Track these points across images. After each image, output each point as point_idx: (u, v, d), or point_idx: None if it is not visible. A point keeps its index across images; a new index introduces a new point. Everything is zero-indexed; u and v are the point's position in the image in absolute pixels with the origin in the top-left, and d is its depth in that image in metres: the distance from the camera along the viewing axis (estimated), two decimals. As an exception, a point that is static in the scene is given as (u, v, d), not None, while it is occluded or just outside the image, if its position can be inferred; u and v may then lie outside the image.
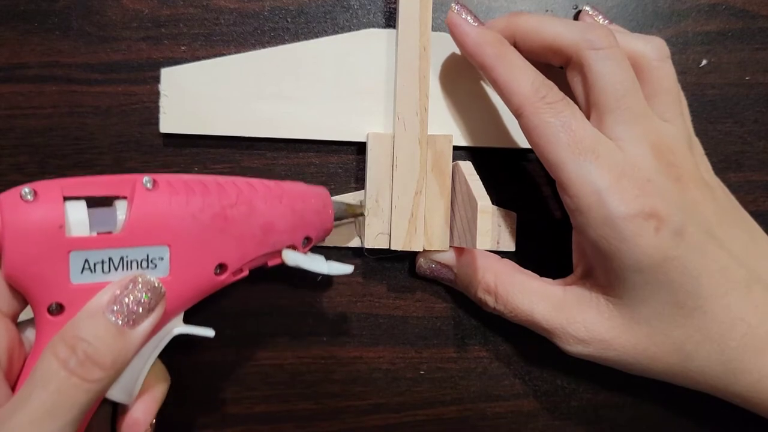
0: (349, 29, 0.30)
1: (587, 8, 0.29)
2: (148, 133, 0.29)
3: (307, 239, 0.26)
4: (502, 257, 0.29)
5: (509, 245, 0.30)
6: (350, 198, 0.29)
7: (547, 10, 0.30)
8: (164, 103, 0.28)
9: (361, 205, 0.28)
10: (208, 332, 0.26)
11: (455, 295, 0.31)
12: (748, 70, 0.31)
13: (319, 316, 0.30)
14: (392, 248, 0.28)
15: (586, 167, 0.24)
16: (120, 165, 0.29)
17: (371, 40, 0.29)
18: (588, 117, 0.26)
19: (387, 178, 0.28)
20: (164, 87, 0.28)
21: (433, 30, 0.28)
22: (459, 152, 0.30)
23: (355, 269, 0.30)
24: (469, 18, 0.27)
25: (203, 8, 0.29)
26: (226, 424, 0.30)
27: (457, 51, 0.29)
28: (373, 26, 0.30)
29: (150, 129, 0.29)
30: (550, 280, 0.28)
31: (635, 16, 0.31)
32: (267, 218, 0.24)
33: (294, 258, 0.26)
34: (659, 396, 0.31)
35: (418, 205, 0.28)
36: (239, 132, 0.29)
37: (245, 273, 0.25)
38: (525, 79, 0.25)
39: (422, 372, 0.31)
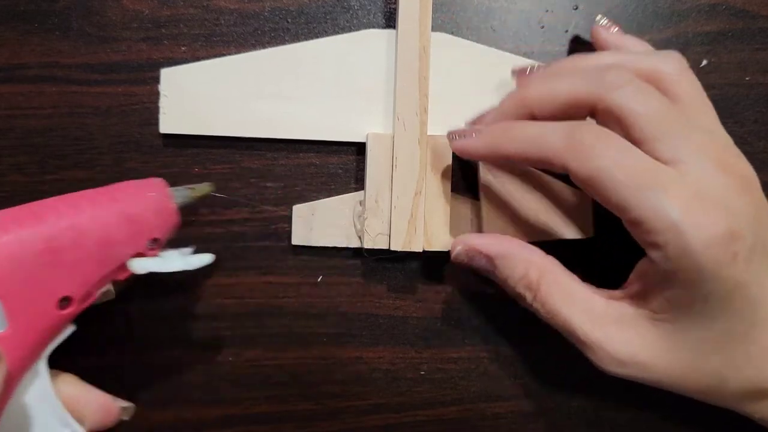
0: (349, 30, 0.30)
1: (602, 21, 0.28)
2: (148, 134, 0.29)
3: (155, 240, 0.25)
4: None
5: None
6: (351, 196, 0.29)
7: (547, 11, 0.30)
8: (164, 104, 0.28)
9: (207, 184, 0.27)
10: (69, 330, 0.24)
11: (456, 296, 0.31)
12: (749, 71, 0.31)
13: (319, 316, 0.30)
14: (392, 248, 0.28)
15: (654, 201, 0.22)
16: (120, 165, 0.29)
17: (371, 40, 0.29)
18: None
19: (387, 178, 0.28)
20: (164, 87, 0.28)
21: (432, 30, 0.28)
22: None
23: (355, 269, 0.30)
24: (465, 135, 0.26)
25: (203, 9, 0.29)
26: (226, 424, 0.30)
27: (457, 52, 0.29)
28: (373, 27, 0.30)
29: (150, 129, 0.29)
30: (594, 288, 0.27)
31: (635, 17, 0.31)
32: (100, 234, 0.23)
33: (142, 265, 0.24)
34: (660, 396, 0.31)
35: (418, 205, 0.28)
36: (239, 132, 0.29)
37: (94, 297, 0.24)
38: (553, 137, 0.24)
39: (422, 372, 0.31)
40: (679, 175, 0.23)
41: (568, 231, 0.29)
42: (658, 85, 0.25)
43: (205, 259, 0.25)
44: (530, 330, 0.31)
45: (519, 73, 0.28)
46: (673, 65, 0.26)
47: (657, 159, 0.23)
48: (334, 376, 0.30)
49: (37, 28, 0.29)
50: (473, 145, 0.26)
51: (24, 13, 0.29)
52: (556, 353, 0.31)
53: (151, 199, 0.24)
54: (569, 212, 0.29)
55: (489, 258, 0.27)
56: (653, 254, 0.24)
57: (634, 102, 0.24)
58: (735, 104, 0.31)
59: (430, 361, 0.31)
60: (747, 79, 0.31)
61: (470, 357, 0.31)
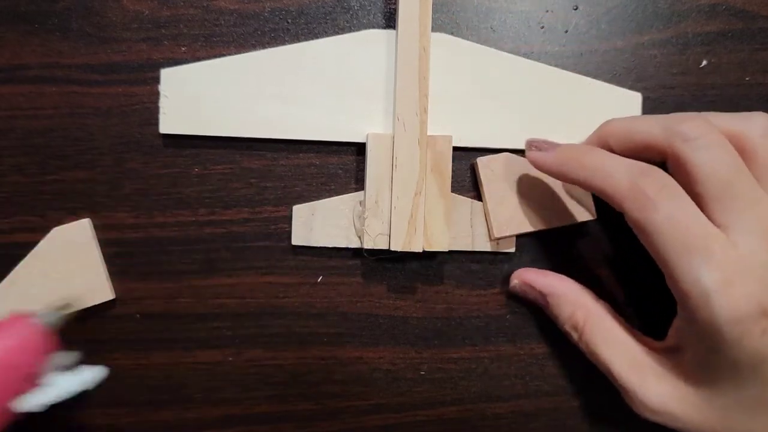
0: (349, 30, 0.30)
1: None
2: (149, 134, 0.29)
3: (31, 375, 0.24)
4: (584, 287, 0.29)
5: (509, 246, 0.30)
6: (351, 196, 0.29)
7: (547, 11, 0.30)
8: (164, 104, 0.28)
9: (69, 301, 0.27)
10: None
11: (455, 296, 0.31)
12: (748, 71, 0.31)
13: (319, 316, 0.30)
14: (392, 249, 0.28)
15: (695, 267, 0.23)
16: (121, 166, 0.29)
17: (371, 40, 0.29)
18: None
19: (387, 178, 0.28)
20: (164, 88, 0.28)
21: (432, 31, 0.28)
22: (459, 152, 0.30)
23: (355, 270, 0.30)
24: (542, 149, 0.27)
25: (203, 9, 0.29)
26: (227, 425, 0.30)
27: (457, 52, 0.29)
28: (373, 27, 0.30)
29: (150, 129, 0.29)
30: (637, 334, 0.27)
31: (635, 17, 0.31)
32: None
33: (26, 405, 0.23)
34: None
35: (418, 205, 0.28)
36: (239, 132, 0.29)
37: None
38: (618, 175, 0.24)
39: (423, 372, 0.31)
40: (728, 243, 0.23)
41: (571, 216, 0.30)
42: (738, 144, 0.25)
43: (99, 373, 0.25)
44: (530, 330, 0.31)
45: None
46: (756, 126, 0.25)
47: (713, 220, 0.23)
48: (334, 376, 0.30)
49: (38, 28, 0.29)
50: (546, 160, 0.27)
51: (24, 14, 0.29)
52: (557, 353, 0.31)
53: (15, 339, 0.23)
54: (570, 197, 0.30)
55: (542, 295, 0.29)
56: (682, 313, 0.24)
57: (703, 157, 0.24)
58: (735, 105, 0.31)
59: (431, 361, 0.31)
60: (747, 79, 0.31)
61: (470, 357, 0.31)
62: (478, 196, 0.30)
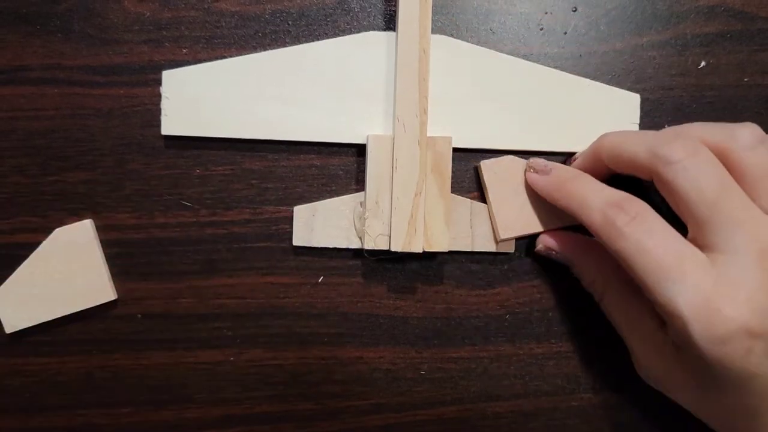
0: (350, 32, 0.30)
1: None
2: (150, 135, 0.29)
3: None
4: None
5: (509, 246, 0.30)
6: (351, 197, 0.29)
7: (546, 12, 0.30)
8: (166, 106, 0.29)
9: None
10: None
11: (455, 296, 0.31)
12: (747, 72, 0.31)
13: (319, 316, 0.30)
14: (392, 249, 0.28)
15: (669, 291, 0.23)
16: (122, 167, 0.29)
17: (371, 42, 0.29)
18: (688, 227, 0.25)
19: (387, 179, 0.28)
20: (166, 89, 0.29)
21: (432, 33, 0.28)
22: (458, 153, 0.30)
23: (355, 270, 0.30)
24: (538, 171, 0.28)
25: (205, 11, 0.29)
26: (227, 425, 0.30)
27: (457, 54, 0.30)
28: (374, 29, 0.30)
29: (152, 131, 0.29)
30: (653, 311, 0.27)
31: (634, 18, 0.31)
32: None
33: None
34: (660, 396, 0.32)
35: (418, 206, 0.28)
36: (241, 134, 0.29)
37: None
38: (594, 207, 0.25)
39: (423, 372, 0.31)
40: (710, 264, 0.23)
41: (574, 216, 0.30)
42: (726, 159, 0.24)
43: None
44: (530, 330, 0.31)
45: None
46: (745, 138, 0.25)
47: (701, 241, 0.24)
48: (335, 376, 0.31)
49: (39, 30, 0.29)
50: (538, 182, 0.28)
51: (26, 15, 0.29)
52: (556, 353, 0.31)
53: None
54: None
55: (566, 257, 0.29)
56: (669, 329, 0.25)
57: (686, 180, 0.23)
58: (733, 105, 0.31)
59: (431, 360, 0.31)
60: (745, 80, 0.31)
61: (470, 357, 0.31)
62: (479, 197, 0.30)
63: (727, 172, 0.24)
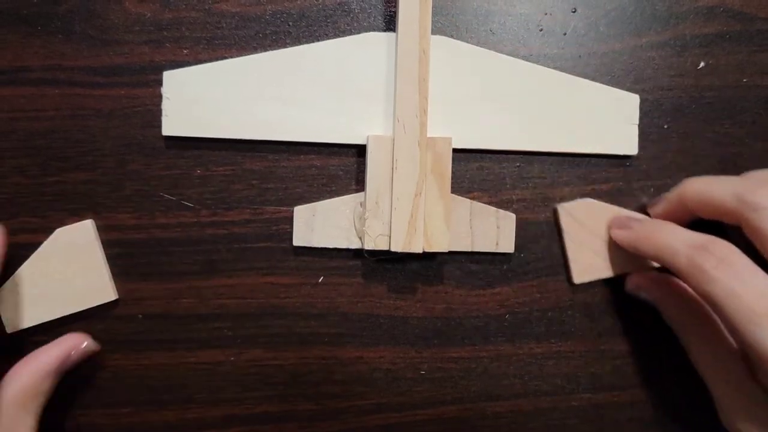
0: (350, 33, 0.30)
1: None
2: (151, 136, 0.29)
3: None
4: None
5: (509, 247, 0.30)
6: (351, 197, 0.29)
7: (546, 13, 0.31)
8: (166, 106, 0.29)
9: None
10: None
11: (455, 296, 0.31)
12: (746, 72, 0.31)
13: (319, 316, 0.30)
14: (392, 249, 0.28)
15: (760, 334, 0.23)
16: (122, 167, 0.29)
17: (371, 43, 0.29)
18: None
19: (387, 180, 0.28)
20: (166, 90, 0.29)
21: (432, 33, 0.28)
22: (458, 154, 0.30)
23: (355, 270, 0.30)
24: (623, 227, 0.29)
25: (205, 12, 0.29)
26: (227, 425, 0.30)
27: (457, 55, 0.30)
28: (374, 30, 0.30)
29: (152, 131, 0.29)
30: (737, 354, 0.27)
31: (633, 19, 0.31)
32: None
33: None
34: (660, 396, 0.32)
35: (418, 206, 0.28)
36: (241, 134, 0.29)
37: None
38: (679, 251, 0.25)
39: (423, 372, 0.31)
40: None
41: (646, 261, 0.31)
42: None
43: None
44: (529, 330, 0.31)
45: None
46: None
47: None
48: (335, 376, 0.31)
49: (40, 30, 0.29)
50: (624, 238, 0.29)
51: (27, 16, 0.29)
52: (556, 353, 0.31)
53: None
54: None
55: (654, 299, 0.30)
56: (759, 373, 0.25)
57: None
58: (733, 106, 0.31)
59: (431, 360, 0.31)
60: (745, 80, 0.31)
61: (470, 357, 0.31)
62: (479, 197, 0.30)
63: None
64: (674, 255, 0.26)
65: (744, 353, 0.25)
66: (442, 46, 0.29)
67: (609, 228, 0.30)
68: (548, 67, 0.30)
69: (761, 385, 0.25)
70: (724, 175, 0.29)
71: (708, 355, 0.28)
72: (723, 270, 0.24)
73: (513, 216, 0.30)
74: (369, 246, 0.29)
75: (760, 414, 0.26)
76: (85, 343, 0.28)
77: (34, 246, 0.29)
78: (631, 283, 0.30)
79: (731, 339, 0.27)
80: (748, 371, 0.26)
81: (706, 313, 0.28)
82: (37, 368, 0.27)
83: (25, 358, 0.27)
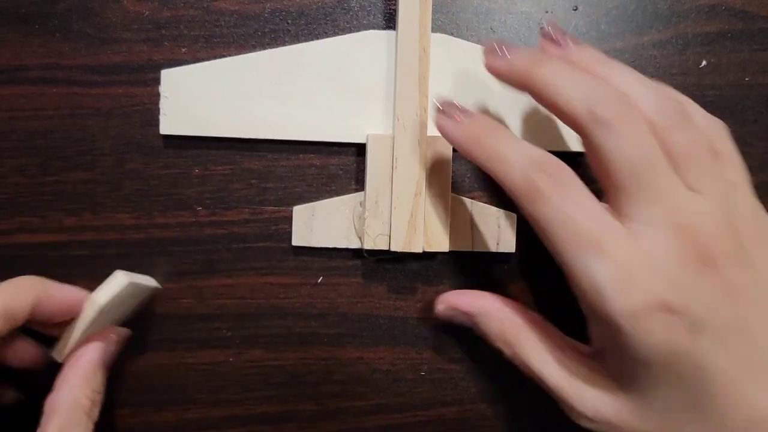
0: (350, 31, 0.30)
1: (544, 26, 0.26)
2: (149, 135, 0.29)
3: None
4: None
5: (509, 246, 0.30)
6: (351, 197, 0.29)
7: (547, 12, 0.30)
8: (164, 105, 0.29)
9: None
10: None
11: (455, 296, 0.31)
12: (748, 71, 0.31)
13: (319, 316, 0.30)
14: (392, 249, 0.28)
15: (586, 263, 0.22)
16: (121, 166, 0.29)
17: (371, 41, 0.29)
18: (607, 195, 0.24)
19: (387, 179, 0.28)
20: (164, 89, 0.28)
21: (432, 31, 0.28)
22: (458, 153, 0.30)
23: (355, 270, 0.30)
24: (450, 116, 0.25)
25: (204, 10, 0.29)
26: (227, 425, 0.30)
27: (458, 51, 0.29)
28: (373, 28, 0.30)
29: (151, 130, 0.29)
30: (570, 342, 0.27)
31: (634, 17, 0.31)
32: None
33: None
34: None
35: (418, 206, 0.28)
36: (240, 133, 0.29)
37: None
38: (515, 165, 0.23)
39: (423, 373, 0.31)
40: (626, 235, 0.22)
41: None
42: (656, 130, 0.23)
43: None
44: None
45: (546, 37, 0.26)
46: (677, 114, 0.24)
47: (620, 211, 0.23)
48: (335, 377, 0.31)
49: (38, 29, 0.29)
50: (451, 132, 0.25)
51: (25, 15, 0.29)
52: (556, 353, 0.31)
53: None
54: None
55: (469, 315, 0.28)
56: (584, 310, 0.24)
57: (614, 142, 0.22)
58: (734, 105, 0.31)
59: (431, 361, 0.31)
60: (747, 79, 0.31)
61: (471, 358, 0.31)
62: (479, 197, 0.30)
63: (657, 145, 0.23)
64: (509, 168, 0.23)
65: (571, 284, 0.23)
66: (442, 44, 0.29)
67: (435, 108, 0.26)
68: (549, 65, 0.30)
69: (593, 324, 0.24)
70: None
71: (541, 354, 0.26)
72: (558, 192, 0.22)
73: (514, 215, 0.30)
74: (369, 246, 0.28)
75: (603, 390, 0.24)
76: (117, 332, 0.28)
77: (33, 246, 0.29)
78: (443, 304, 0.28)
79: (565, 337, 0.27)
80: (580, 355, 0.26)
81: (525, 313, 0.27)
82: (83, 368, 0.26)
83: (66, 364, 0.26)
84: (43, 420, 0.25)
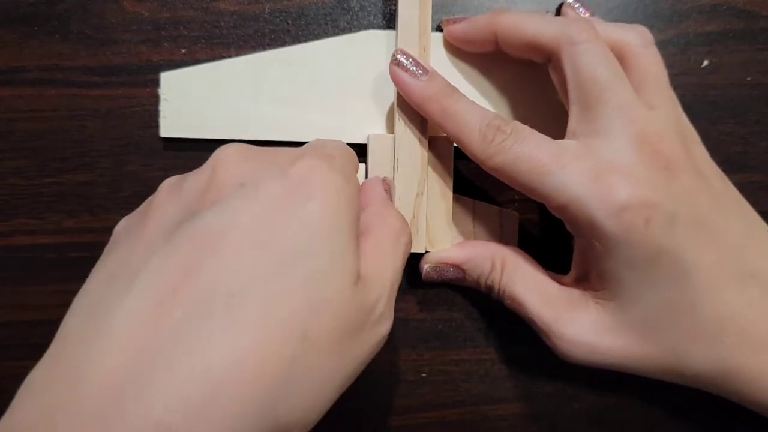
0: (350, 31, 0.30)
1: (569, 0, 0.29)
2: (148, 136, 0.29)
3: None
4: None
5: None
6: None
7: (547, 11, 0.30)
8: (164, 107, 0.28)
9: None
10: None
11: (456, 298, 0.31)
12: (750, 71, 0.31)
13: (320, 318, 0.30)
14: (393, 250, 0.28)
15: (555, 182, 0.23)
16: (120, 168, 0.29)
17: (371, 41, 0.29)
18: (569, 115, 0.26)
19: (388, 179, 0.28)
20: (164, 91, 0.28)
21: (432, 31, 0.28)
22: (460, 153, 0.29)
23: (356, 271, 0.30)
24: (410, 73, 0.26)
25: (203, 11, 0.29)
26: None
27: (458, 51, 0.29)
28: (373, 28, 0.30)
29: (150, 132, 0.29)
30: (552, 274, 0.28)
31: (636, 17, 0.31)
32: None
33: None
34: (662, 397, 0.31)
35: (420, 206, 0.28)
36: (240, 135, 0.29)
37: None
38: (472, 129, 0.25)
39: (424, 374, 0.31)
40: (586, 149, 0.24)
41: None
42: (619, 54, 0.26)
43: None
44: (532, 332, 0.31)
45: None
46: (638, 38, 0.26)
47: (582, 127, 0.25)
48: (336, 379, 0.30)
49: (37, 30, 0.29)
50: (409, 86, 0.26)
51: (24, 16, 0.29)
52: (558, 355, 0.31)
53: None
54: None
55: (456, 266, 0.28)
56: (569, 228, 0.25)
57: (584, 60, 0.25)
58: (736, 104, 0.31)
59: (432, 363, 0.31)
60: (748, 79, 0.31)
61: (472, 359, 0.31)
62: (479, 197, 0.30)
63: (618, 63, 0.25)
64: (467, 126, 0.25)
65: (552, 210, 0.25)
66: (442, 44, 0.29)
67: (392, 60, 0.26)
68: (550, 65, 0.30)
69: (579, 242, 0.26)
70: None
71: (527, 286, 0.27)
72: (513, 139, 0.24)
73: (516, 215, 0.30)
74: (369, 247, 0.28)
75: (590, 316, 0.25)
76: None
77: (32, 248, 0.28)
78: (430, 263, 0.28)
79: (547, 271, 0.28)
80: (565, 283, 0.27)
81: (519, 251, 0.28)
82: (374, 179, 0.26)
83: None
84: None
